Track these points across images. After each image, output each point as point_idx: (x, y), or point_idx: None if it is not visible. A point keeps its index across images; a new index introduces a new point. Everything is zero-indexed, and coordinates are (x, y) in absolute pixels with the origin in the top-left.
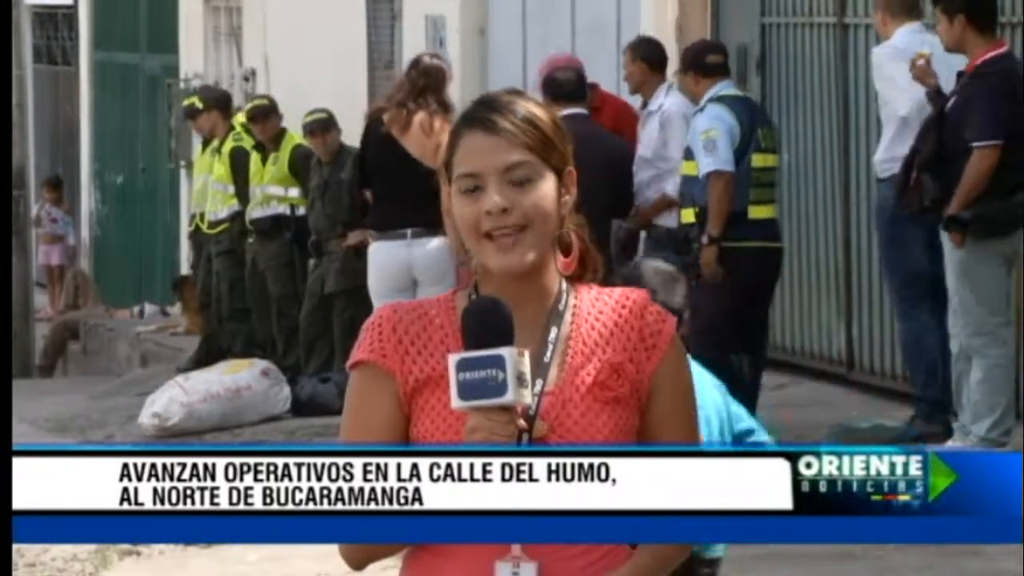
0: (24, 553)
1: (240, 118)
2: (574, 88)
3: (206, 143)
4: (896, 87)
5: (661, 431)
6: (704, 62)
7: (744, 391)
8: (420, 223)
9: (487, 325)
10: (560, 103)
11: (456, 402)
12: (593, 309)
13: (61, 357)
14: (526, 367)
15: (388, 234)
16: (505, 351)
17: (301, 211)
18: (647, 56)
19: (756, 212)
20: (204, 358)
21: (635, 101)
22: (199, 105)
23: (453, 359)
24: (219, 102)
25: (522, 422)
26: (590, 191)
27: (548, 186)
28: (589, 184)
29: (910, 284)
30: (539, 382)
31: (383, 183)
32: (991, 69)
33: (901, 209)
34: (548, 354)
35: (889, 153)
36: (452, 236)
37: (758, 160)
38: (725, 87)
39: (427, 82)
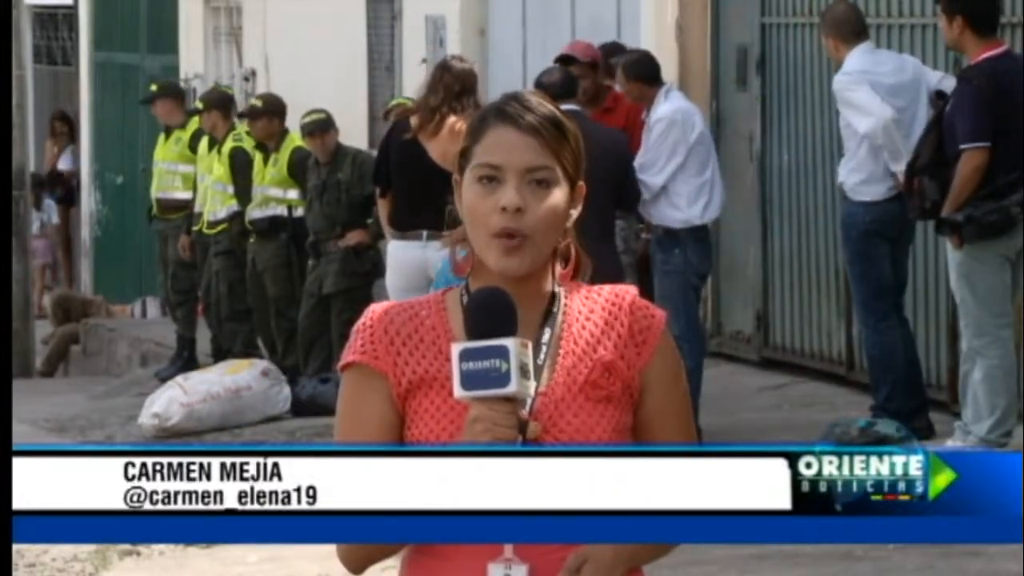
0: (24, 553)
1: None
2: (561, 88)
3: (211, 143)
4: (860, 111)
5: (655, 426)
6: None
7: None
8: (436, 225)
9: (491, 315)
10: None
11: (459, 391)
12: (584, 308)
13: (63, 361)
14: (529, 358)
15: (406, 234)
16: (509, 341)
17: (299, 212)
18: (640, 75)
19: None
20: (180, 356)
21: None
22: (180, 99)
23: (456, 348)
24: (219, 102)
25: (524, 413)
26: (589, 186)
27: (562, 195)
28: (590, 178)
29: (879, 297)
30: (534, 383)
31: (404, 185)
32: (977, 71)
33: (909, 214)
34: (542, 355)
35: (860, 175)
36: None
37: None
38: None
39: (463, 86)
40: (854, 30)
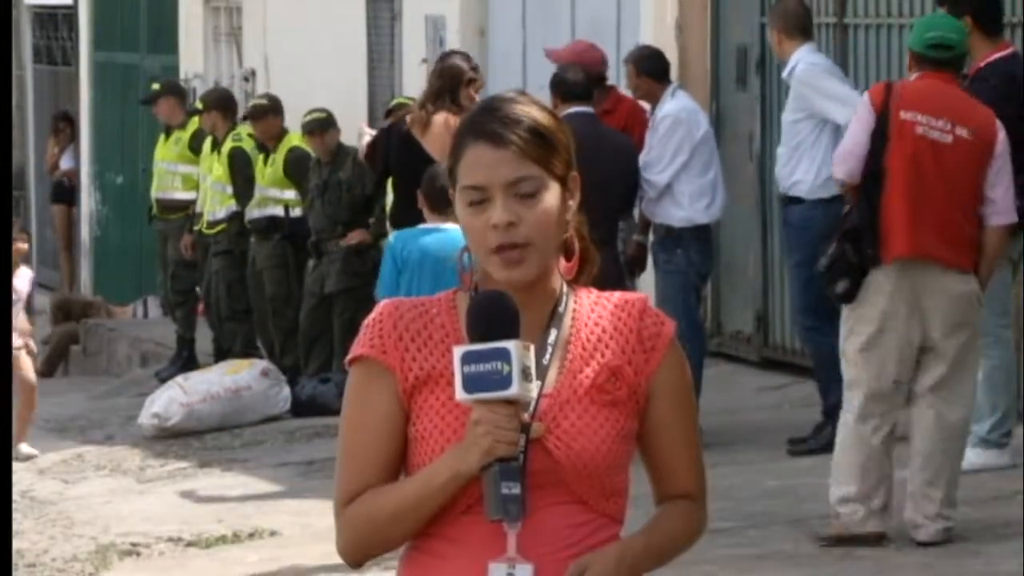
0: (24, 553)
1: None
2: (582, 89)
3: (214, 143)
4: (839, 100)
5: (660, 436)
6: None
7: None
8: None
9: (493, 318)
10: (568, 103)
11: (460, 394)
12: (593, 313)
13: (63, 361)
14: (531, 361)
15: None
16: (510, 344)
17: (295, 212)
18: (651, 70)
19: None
20: (180, 356)
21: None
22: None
23: (458, 351)
24: (220, 102)
25: (525, 416)
26: (596, 189)
27: (553, 197)
28: (595, 183)
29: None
30: (537, 384)
31: (403, 182)
32: (991, 72)
33: None
34: (547, 356)
35: (826, 172)
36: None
37: None
38: None
39: (442, 84)
40: (799, 27)
